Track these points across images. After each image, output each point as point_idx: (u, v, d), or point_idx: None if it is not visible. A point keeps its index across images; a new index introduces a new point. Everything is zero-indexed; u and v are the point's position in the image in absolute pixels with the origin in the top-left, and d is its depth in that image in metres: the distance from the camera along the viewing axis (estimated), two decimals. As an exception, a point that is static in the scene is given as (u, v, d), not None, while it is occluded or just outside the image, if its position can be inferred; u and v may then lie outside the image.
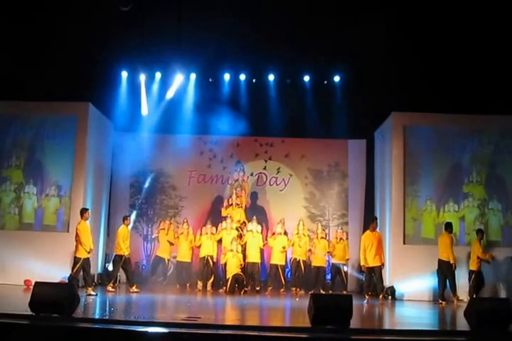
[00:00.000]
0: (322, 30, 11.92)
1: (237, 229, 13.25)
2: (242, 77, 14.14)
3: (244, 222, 13.51)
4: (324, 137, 14.47)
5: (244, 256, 12.82)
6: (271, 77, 14.08)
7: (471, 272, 11.43)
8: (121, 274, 12.65)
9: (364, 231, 12.53)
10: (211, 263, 13.01)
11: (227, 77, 14.18)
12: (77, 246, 10.68)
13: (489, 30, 11.52)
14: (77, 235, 10.72)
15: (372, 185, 14.18)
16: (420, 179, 12.48)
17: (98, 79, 13.01)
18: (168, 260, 13.50)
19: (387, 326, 8.82)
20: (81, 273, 10.73)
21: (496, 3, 11.16)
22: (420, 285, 11.79)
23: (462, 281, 11.44)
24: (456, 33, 11.72)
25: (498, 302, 7.73)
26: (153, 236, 14.17)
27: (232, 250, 12.53)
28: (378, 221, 11.86)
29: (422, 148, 12.60)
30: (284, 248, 12.94)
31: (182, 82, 14.19)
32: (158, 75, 14.16)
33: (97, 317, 7.80)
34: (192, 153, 14.64)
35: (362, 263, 11.40)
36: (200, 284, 12.95)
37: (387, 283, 11.95)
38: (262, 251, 13.23)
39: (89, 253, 10.73)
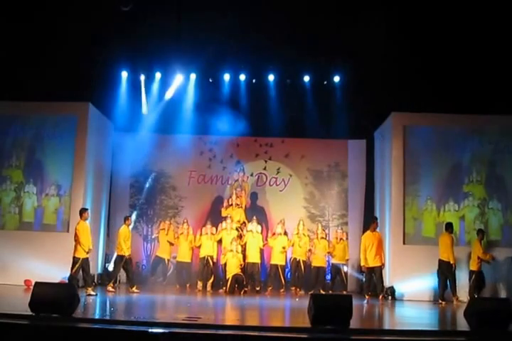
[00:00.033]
0: (322, 30, 11.92)
1: (237, 229, 13.25)
2: (242, 77, 14.15)
3: (244, 222, 13.51)
4: (324, 137, 14.46)
5: (244, 257, 12.82)
6: (271, 77, 14.08)
7: (471, 272, 11.43)
8: (122, 274, 12.66)
9: (364, 231, 12.53)
10: (211, 263, 13.00)
11: (227, 77, 14.19)
12: (75, 246, 10.68)
13: (489, 30, 11.52)
14: (75, 235, 10.72)
15: (372, 185, 14.18)
16: (420, 179, 12.49)
17: (98, 79, 13.01)
18: (168, 260, 13.49)
19: (387, 326, 8.81)
20: (81, 273, 10.72)
21: (495, 3, 11.16)
22: (420, 285, 11.78)
23: (463, 282, 11.45)
24: (456, 33, 11.72)
25: (498, 302, 7.73)
26: (153, 237, 14.16)
27: (232, 250, 12.52)
28: (378, 221, 11.86)
29: (422, 148, 12.61)
30: (284, 248, 12.93)
31: (182, 82, 14.20)
32: (158, 75, 14.17)
33: (96, 317, 7.80)
34: (192, 153, 14.63)
35: (362, 264, 11.40)
36: (200, 284, 12.94)
37: (387, 283, 11.95)
38: (261, 251, 13.23)
39: (87, 253, 10.73)
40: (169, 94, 14.21)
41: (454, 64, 12.07)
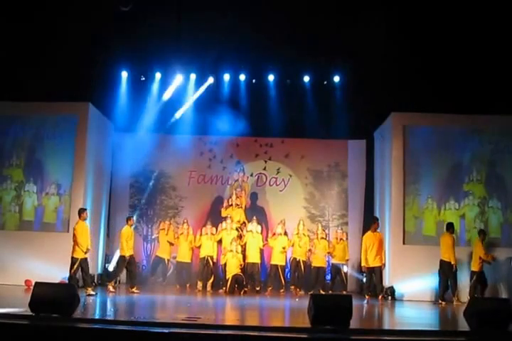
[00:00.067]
0: (322, 30, 11.93)
1: (237, 229, 13.24)
2: (242, 77, 14.16)
3: (244, 223, 13.50)
4: (324, 137, 14.46)
5: (244, 257, 12.82)
6: (271, 78, 14.10)
7: (472, 273, 11.42)
8: (122, 274, 12.64)
9: (364, 231, 12.54)
10: (211, 263, 13.00)
11: (227, 77, 14.20)
12: (73, 247, 10.69)
13: (489, 30, 11.53)
14: (74, 235, 10.74)
15: (372, 185, 14.18)
16: (421, 178, 12.52)
17: (98, 79, 13.03)
18: (168, 260, 13.49)
19: (386, 326, 8.81)
20: (80, 273, 10.72)
21: (495, 3, 11.17)
22: (420, 285, 11.78)
23: (464, 282, 11.47)
24: (456, 33, 11.74)
25: (498, 302, 7.73)
26: (153, 237, 14.16)
27: (232, 250, 12.52)
28: (379, 221, 11.84)
29: (422, 148, 12.62)
30: (284, 248, 12.93)
31: (182, 82, 14.21)
32: (158, 75, 14.18)
33: (96, 317, 7.79)
34: (192, 153, 14.62)
35: (363, 264, 11.39)
36: (200, 284, 12.94)
37: (386, 284, 11.95)
38: (261, 251, 13.23)
39: (86, 253, 10.73)
40: (169, 94, 14.22)
41: (454, 64, 12.08)
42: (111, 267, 13.54)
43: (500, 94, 11.84)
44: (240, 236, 13.17)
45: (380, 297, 11.28)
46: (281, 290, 12.89)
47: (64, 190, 12.53)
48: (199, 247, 13.16)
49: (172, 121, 14.41)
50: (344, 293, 12.34)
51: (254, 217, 13.34)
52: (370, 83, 12.67)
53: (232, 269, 12.40)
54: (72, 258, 10.65)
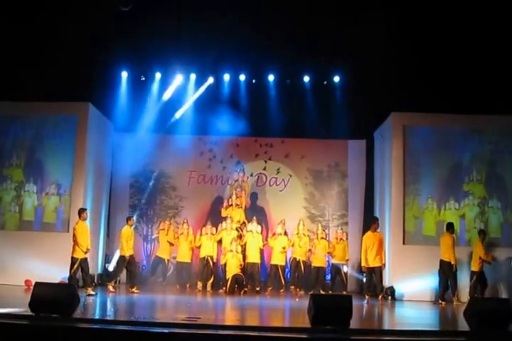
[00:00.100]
0: (322, 30, 11.93)
1: (237, 229, 13.24)
2: (242, 77, 14.16)
3: (244, 223, 13.50)
4: (324, 137, 14.46)
5: (244, 257, 12.82)
6: (271, 78, 14.11)
7: (472, 273, 11.42)
8: (122, 274, 12.64)
9: (364, 231, 12.54)
10: (211, 263, 13.00)
11: (227, 77, 14.20)
12: (73, 247, 10.70)
13: (489, 30, 11.53)
14: (73, 235, 10.75)
15: (372, 185, 14.18)
16: (421, 178, 12.52)
17: (98, 79, 13.03)
18: (168, 260, 13.49)
19: (386, 326, 8.81)
20: (80, 273, 10.73)
21: (495, 3, 11.17)
22: (420, 285, 11.78)
23: (464, 282, 11.48)
24: (456, 33, 11.74)
25: (498, 303, 7.73)
26: (153, 237, 14.16)
27: (231, 250, 12.52)
28: (379, 221, 11.84)
29: (422, 148, 12.62)
30: (284, 248, 12.93)
31: (182, 82, 14.21)
32: (158, 75, 14.18)
33: (96, 317, 7.79)
34: (192, 153, 14.61)
35: (363, 264, 11.38)
36: (200, 284, 12.94)
37: (386, 284, 11.95)
38: (261, 251, 13.23)
39: (86, 253, 10.73)
40: (169, 94, 14.22)
41: (454, 64, 12.08)
42: (111, 267, 13.54)
43: (500, 94, 11.84)
44: (240, 236, 13.16)
45: (380, 297, 11.28)
46: (281, 290, 12.89)
47: (64, 190, 12.53)
48: (199, 247, 13.16)
49: (172, 121, 14.42)
50: (344, 293, 12.34)
51: (254, 217, 13.34)
52: (370, 83, 12.67)
53: (232, 269, 12.40)
54: (72, 258, 10.66)
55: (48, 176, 12.61)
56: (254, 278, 12.92)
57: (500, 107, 11.85)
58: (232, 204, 13.54)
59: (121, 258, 11.89)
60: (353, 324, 7.22)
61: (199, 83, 14.36)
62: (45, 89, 12.13)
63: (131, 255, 11.93)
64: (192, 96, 14.39)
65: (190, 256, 13.32)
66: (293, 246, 13.06)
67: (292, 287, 12.97)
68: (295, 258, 13.00)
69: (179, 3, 11.55)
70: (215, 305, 10.79)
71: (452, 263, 11.18)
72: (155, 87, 14.24)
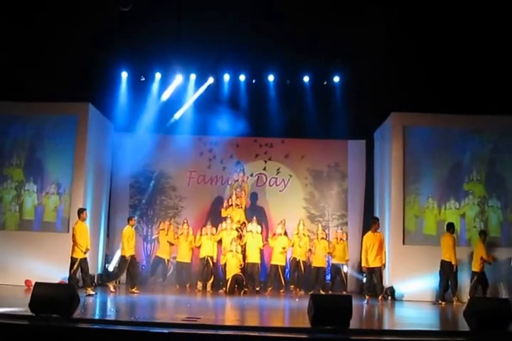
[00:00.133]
0: (322, 30, 11.94)
1: (237, 229, 13.24)
2: (242, 77, 14.16)
3: (244, 223, 13.50)
4: (324, 137, 14.46)
5: (244, 257, 12.82)
6: (270, 78, 14.11)
7: (473, 273, 11.42)
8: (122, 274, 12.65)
9: (364, 231, 12.55)
10: (211, 263, 13.00)
11: (227, 77, 14.21)
12: (73, 247, 10.70)
13: (489, 30, 11.54)
14: (73, 235, 10.75)
15: (372, 185, 14.18)
16: (421, 178, 12.54)
17: (98, 80, 13.04)
18: (168, 260, 13.48)
19: (386, 326, 8.81)
20: (79, 273, 10.73)
21: (495, 3, 11.17)
22: (420, 285, 11.77)
23: (465, 282, 11.50)
24: (456, 33, 11.74)
25: (498, 303, 7.72)
26: (153, 237, 14.15)
27: (231, 250, 12.52)
28: (379, 222, 11.84)
29: (422, 148, 12.63)
30: (284, 248, 12.92)
31: (182, 83, 14.22)
32: (158, 76, 14.19)
33: (96, 317, 7.79)
34: (192, 153, 14.61)
35: (363, 264, 11.37)
36: (199, 285, 12.94)
37: (386, 284, 11.95)
38: (261, 251, 13.23)
39: (85, 253, 10.73)
40: (169, 94, 14.22)
41: (454, 64, 12.09)
42: (111, 267, 13.54)
43: (500, 94, 11.85)
44: (240, 237, 13.16)
45: (380, 297, 11.28)
46: (281, 291, 12.89)
47: (64, 189, 12.55)
48: (199, 247, 13.16)
49: (172, 122, 14.43)
50: (344, 293, 12.34)
51: (254, 217, 13.34)
52: (370, 83, 12.67)
53: (232, 269, 12.40)
54: (72, 258, 10.66)
55: (48, 176, 12.62)
56: (254, 279, 12.91)
57: (500, 107, 11.86)
58: (232, 205, 13.54)
59: (122, 258, 11.88)
60: (353, 324, 7.22)
61: (199, 83, 14.37)
62: (45, 89, 12.14)
63: (133, 255, 11.91)
64: (192, 97, 14.41)
65: (190, 256, 13.32)
66: (293, 246, 13.06)
67: (292, 286, 12.95)
68: (295, 258, 13.00)
69: (179, 4, 11.55)
70: (215, 305, 10.79)
71: (453, 263, 11.18)
72: (155, 87, 14.25)
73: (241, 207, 13.59)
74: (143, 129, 14.25)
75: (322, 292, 12.49)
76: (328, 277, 13.36)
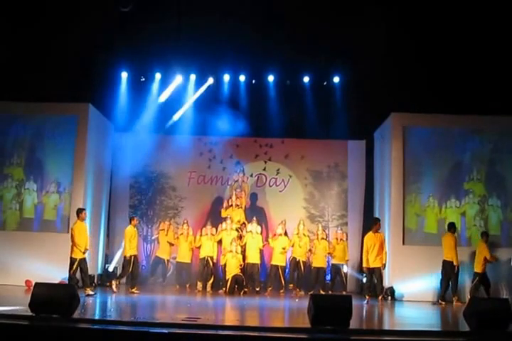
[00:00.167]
0: (322, 30, 11.94)
1: (236, 229, 13.24)
2: (242, 77, 14.17)
3: (244, 223, 13.50)
4: (324, 138, 14.46)
5: (244, 257, 12.82)
6: (270, 78, 14.11)
7: (475, 274, 11.41)
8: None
9: (364, 231, 12.55)
10: (211, 263, 12.99)
11: (226, 77, 14.21)
12: (72, 247, 10.71)
13: (489, 30, 11.54)
14: (72, 235, 10.75)
15: (372, 185, 14.18)
16: (422, 178, 12.57)
17: (98, 80, 13.03)
18: (168, 261, 13.48)
19: (386, 327, 8.81)
20: (79, 273, 10.72)
21: (495, 3, 11.17)
22: (420, 285, 11.79)
23: (465, 282, 11.51)
24: (456, 34, 11.74)
25: (498, 303, 7.72)
26: (153, 237, 14.15)
27: (231, 251, 12.52)
28: (380, 222, 11.84)
29: (422, 149, 12.65)
30: (284, 249, 12.92)
31: (182, 83, 14.22)
32: (158, 76, 14.19)
33: (96, 317, 7.79)
34: (192, 153, 14.62)
35: (364, 265, 11.34)
36: (199, 285, 12.93)
37: (386, 284, 11.95)
38: (261, 251, 13.23)
39: (84, 253, 10.73)
40: (169, 94, 14.23)
41: (454, 64, 12.09)
42: (111, 267, 13.54)
43: (500, 94, 11.85)
44: (240, 237, 13.16)
45: (380, 297, 11.28)
46: (281, 291, 12.88)
47: (64, 188, 12.57)
48: (199, 248, 13.16)
49: (172, 122, 14.43)
50: (344, 293, 12.34)
51: (254, 218, 13.34)
52: (370, 83, 12.67)
53: (232, 270, 12.40)
54: (71, 258, 10.67)
55: (48, 175, 12.64)
56: (254, 279, 12.91)
57: (500, 107, 11.87)
58: (232, 205, 13.54)
59: (124, 258, 11.85)
60: (353, 324, 7.22)
61: (199, 83, 14.37)
62: (45, 89, 12.15)
63: (135, 255, 11.87)
64: (192, 97, 14.42)
65: (190, 256, 13.32)
66: (293, 246, 13.05)
67: (291, 285, 12.93)
68: (295, 258, 12.99)
69: (179, 4, 11.56)
70: (214, 305, 10.78)
71: (455, 263, 11.19)
72: (155, 87, 14.25)
73: (241, 208, 13.59)
74: (143, 129, 14.25)
75: (322, 292, 12.49)
76: (328, 277, 13.35)
